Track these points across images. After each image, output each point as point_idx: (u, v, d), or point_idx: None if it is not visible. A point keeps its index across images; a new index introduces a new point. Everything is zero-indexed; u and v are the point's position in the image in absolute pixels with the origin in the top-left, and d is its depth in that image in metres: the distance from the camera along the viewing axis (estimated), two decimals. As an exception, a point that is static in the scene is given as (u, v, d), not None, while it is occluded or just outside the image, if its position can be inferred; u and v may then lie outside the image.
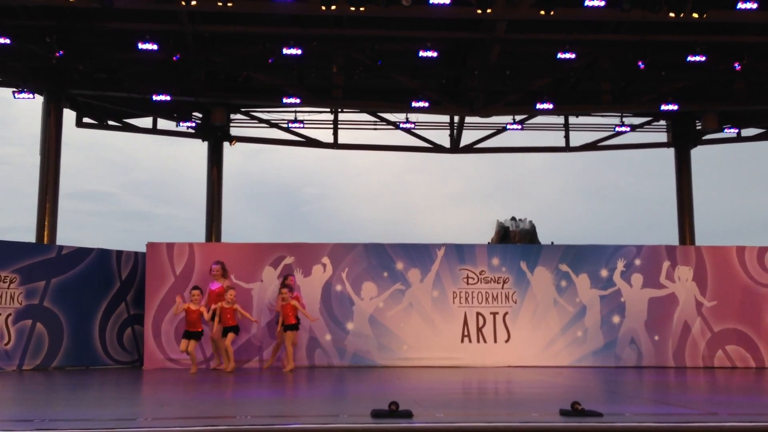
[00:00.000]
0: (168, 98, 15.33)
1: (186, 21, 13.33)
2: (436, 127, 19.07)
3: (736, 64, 14.36)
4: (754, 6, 12.19)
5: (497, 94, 16.25)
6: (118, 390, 8.54)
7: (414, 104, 15.96)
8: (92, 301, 11.77)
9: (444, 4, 12.22)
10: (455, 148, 19.10)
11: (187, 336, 10.61)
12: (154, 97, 15.26)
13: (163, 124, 18.21)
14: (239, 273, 11.87)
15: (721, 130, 17.77)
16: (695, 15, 12.39)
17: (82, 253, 11.81)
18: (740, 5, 12.19)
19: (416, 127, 18.12)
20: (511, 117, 17.57)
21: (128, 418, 5.54)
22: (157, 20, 13.51)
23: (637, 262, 12.21)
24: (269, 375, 10.13)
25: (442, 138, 19.24)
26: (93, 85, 15.21)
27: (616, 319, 12.08)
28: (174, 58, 13.91)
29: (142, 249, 12.08)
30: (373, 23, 13.76)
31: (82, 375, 10.31)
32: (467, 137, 19.16)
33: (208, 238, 18.15)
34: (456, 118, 18.79)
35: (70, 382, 9.23)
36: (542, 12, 12.39)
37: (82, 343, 11.59)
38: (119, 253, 12.20)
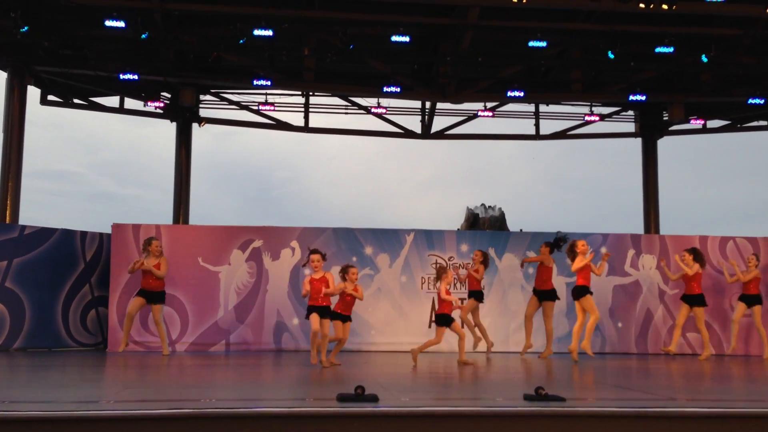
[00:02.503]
0: (135, 77, 15.04)
1: (155, -2, 13.07)
2: (407, 112, 19.01)
3: (704, 56, 14.51)
4: (723, -2, 12.34)
5: (469, 80, 16.25)
6: (81, 372, 8.43)
7: (386, 89, 15.87)
8: (55, 282, 11.58)
9: (417, -11, 12.15)
10: (426, 134, 19.06)
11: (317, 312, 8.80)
12: (122, 76, 14.96)
13: (131, 103, 17.88)
14: (207, 256, 11.79)
15: (687, 121, 17.99)
16: (665, 6, 12.50)
17: (45, 233, 11.60)
18: (709, -3, 12.33)
19: (388, 112, 18.03)
20: (483, 104, 17.58)
21: (90, 400, 5.47)
22: (124, -3, 13.22)
23: (603, 250, 12.35)
24: (235, 359, 10.08)
25: (414, 124, 19.20)
26: (58, 62, 14.86)
27: (581, 306, 12.21)
28: (142, 36, 13.65)
29: (108, 230, 11.92)
30: (345, 6, 13.64)
31: (45, 357, 10.17)
32: (438, 123, 19.13)
33: (176, 220, 17.94)
34: (428, 104, 18.76)
35: (31, 363, 9.09)
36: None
37: (45, 325, 11.40)
38: (84, 233, 12.01)
